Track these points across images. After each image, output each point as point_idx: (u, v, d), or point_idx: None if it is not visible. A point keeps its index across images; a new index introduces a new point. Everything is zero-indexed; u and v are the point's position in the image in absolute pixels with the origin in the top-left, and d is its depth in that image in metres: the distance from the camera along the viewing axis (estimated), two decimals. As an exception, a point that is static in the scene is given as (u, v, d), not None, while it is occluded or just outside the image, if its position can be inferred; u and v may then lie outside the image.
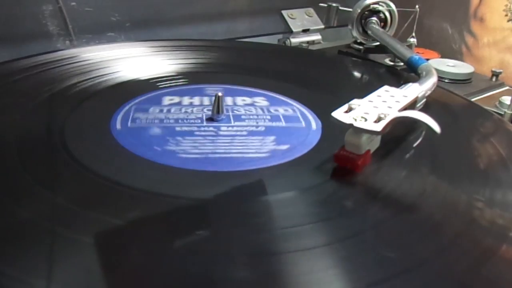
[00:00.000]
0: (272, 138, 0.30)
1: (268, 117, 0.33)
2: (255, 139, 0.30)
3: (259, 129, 0.31)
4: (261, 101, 0.36)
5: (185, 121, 0.32)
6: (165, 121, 0.32)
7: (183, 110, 0.34)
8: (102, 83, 0.38)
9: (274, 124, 0.32)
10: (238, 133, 0.31)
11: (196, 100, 0.36)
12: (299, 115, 0.34)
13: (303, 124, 0.33)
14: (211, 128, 0.31)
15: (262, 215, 0.23)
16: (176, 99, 0.35)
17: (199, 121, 0.32)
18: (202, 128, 0.31)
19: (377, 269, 0.20)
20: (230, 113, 0.33)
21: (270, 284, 0.19)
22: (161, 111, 0.33)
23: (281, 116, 0.34)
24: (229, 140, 0.30)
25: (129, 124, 0.31)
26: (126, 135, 0.29)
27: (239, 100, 0.36)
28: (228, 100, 0.36)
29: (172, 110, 0.33)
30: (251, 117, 0.33)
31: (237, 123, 0.32)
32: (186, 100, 0.35)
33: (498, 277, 0.20)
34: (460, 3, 0.64)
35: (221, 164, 0.27)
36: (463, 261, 0.21)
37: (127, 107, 0.33)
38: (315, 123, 0.33)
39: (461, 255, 0.21)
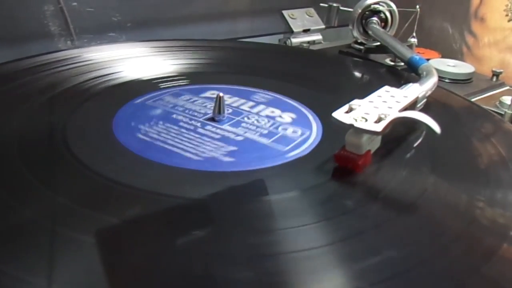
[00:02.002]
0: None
1: (269, 116, 0.34)
2: (261, 139, 0.30)
3: (261, 129, 0.32)
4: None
5: (188, 121, 0.32)
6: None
7: (185, 110, 0.34)
8: (103, 83, 0.38)
9: (274, 123, 0.33)
10: (245, 133, 0.31)
11: (196, 100, 0.36)
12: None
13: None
14: (216, 130, 0.31)
15: (263, 215, 0.23)
16: (177, 99, 0.36)
17: (201, 121, 0.32)
18: (206, 128, 0.31)
19: (378, 268, 0.20)
20: (231, 113, 0.34)
21: (271, 284, 0.19)
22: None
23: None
24: (241, 139, 0.30)
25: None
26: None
27: (240, 100, 0.36)
28: (229, 100, 0.36)
29: (174, 111, 0.34)
30: (251, 116, 0.33)
31: (239, 123, 0.32)
32: (187, 100, 0.35)
33: (499, 277, 0.20)
34: (460, 3, 0.64)
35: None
36: (464, 261, 0.21)
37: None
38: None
39: (461, 255, 0.21)
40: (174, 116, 0.33)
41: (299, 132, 0.32)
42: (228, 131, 0.31)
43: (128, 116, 0.32)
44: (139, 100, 0.35)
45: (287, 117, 0.34)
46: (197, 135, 0.30)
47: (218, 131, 0.31)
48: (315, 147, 0.30)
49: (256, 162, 0.27)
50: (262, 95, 0.38)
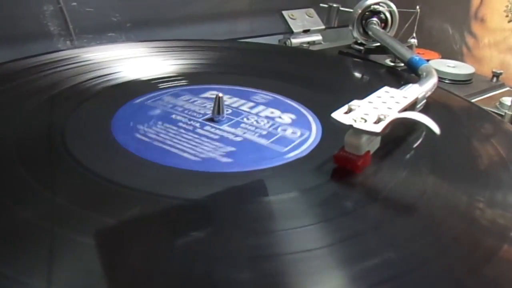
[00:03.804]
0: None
1: (268, 117, 0.34)
2: (260, 139, 0.30)
3: (260, 130, 0.32)
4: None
5: (187, 121, 0.32)
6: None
7: (184, 111, 0.34)
8: (102, 84, 0.38)
9: (274, 124, 0.32)
10: (244, 133, 0.31)
11: (195, 100, 0.36)
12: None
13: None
14: (215, 130, 0.31)
15: (262, 216, 0.23)
16: (176, 100, 0.35)
17: (200, 122, 0.32)
18: (205, 128, 0.31)
19: (378, 269, 0.20)
20: (231, 114, 0.33)
21: (271, 285, 0.19)
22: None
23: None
24: (240, 140, 0.30)
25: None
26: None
27: (239, 100, 0.36)
28: (228, 101, 0.36)
29: (174, 111, 0.33)
30: (251, 117, 0.33)
31: (238, 124, 0.32)
32: (187, 100, 0.35)
33: (499, 277, 0.20)
34: (460, 3, 0.64)
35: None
36: (464, 262, 0.21)
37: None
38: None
39: (461, 256, 0.21)
40: (173, 116, 0.33)
41: (299, 133, 0.32)
42: (227, 132, 0.31)
43: (127, 116, 0.32)
44: (138, 100, 0.35)
45: (287, 117, 0.34)
46: (195, 136, 0.30)
47: (217, 131, 0.31)
48: (315, 148, 0.30)
49: (254, 163, 0.27)
50: (262, 95, 0.38)
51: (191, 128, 0.31)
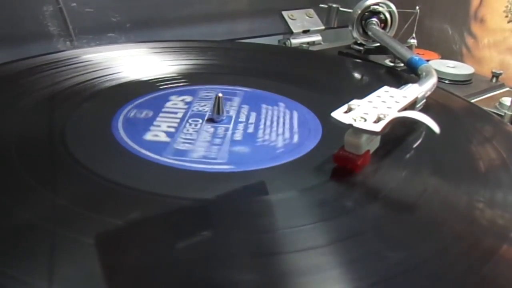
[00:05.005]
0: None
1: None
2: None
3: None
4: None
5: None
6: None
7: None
8: (102, 84, 0.38)
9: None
10: (240, 134, 0.31)
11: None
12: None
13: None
14: (213, 130, 0.31)
15: (262, 215, 0.23)
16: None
17: (200, 121, 0.32)
18: (203, 128, 0.31)
19: (377, 269, 0.20)
20: (231, 114, 0.34)
21: (271, 285, 0.19)
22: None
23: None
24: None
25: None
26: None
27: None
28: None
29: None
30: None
31: (237, 124, 0.32)
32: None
33: (499, 278, 0.20)
34: (460, 4, 0.64)
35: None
36: (464, 262, 0.21)
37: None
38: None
39: (461, 256, 0.21)
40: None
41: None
42: (226, 132, 0.31)
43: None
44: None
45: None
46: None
47: (215, 131, 0.31)
48: (314, 147, 0.30)
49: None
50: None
51: (191, 127, 0.31)
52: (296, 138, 0.31)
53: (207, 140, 0.29)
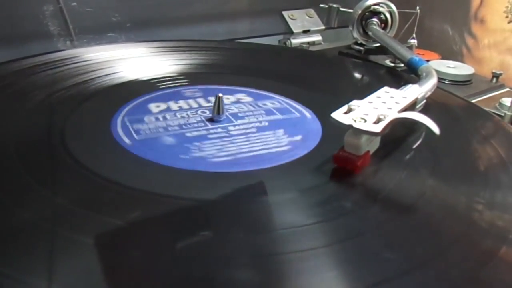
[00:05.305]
0: (269, 139, 0.30)
1: (269, 116, 0.34)
2: (267, 134, 0.30)
3: (263, 125, 0.32)
4: (260, 102, 0.36)
5: (188, 124, 0.32)
6: (167, 122, 0.32)
7: (184, 111, 0.34)
8: (102, 84, 0.38)
9: (271, 125, 0.32)
10: (248, 130, 0.31)
11: (196, 100, 0.36)
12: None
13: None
14: (210, 129, 0.31)
15: (262, 216, 0.23)
16: (176, 100, 0.35)
17: (199, 120, 0.32)
18: (201, 127, 0.31)
19: (377, 270, 0.20)
20: (232, 115, 0.34)
21: (270, 285, 0.19)
22: (162, 111, 0.33)
23: (279, 118, 0.34)
24: (245, 139, 0.30)
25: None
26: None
27: (239, 100, 0.36)
28: (229, 101, 0.36)
29: (174, 111, 0.33)
30: (251, 115, 0.33)
31: (239, 122, 0.32)
32: (187, 100, 0.35)
33: (498, 279, 0.20)
34: (460, 4, 0.64)
35: (222, 165, 0.27)
36: (463, 263, 0.21)
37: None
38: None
39: (460, 257, 0.21)
40: (178, 112, 0.33)
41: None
42: (223, 131, 0.31)
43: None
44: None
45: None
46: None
47: (212, 131, 0.31)
48: (314, 148, 0.30)
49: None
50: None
51: (188, 125, 0.31)
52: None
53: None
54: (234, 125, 0.32)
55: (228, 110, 0.34)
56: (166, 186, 0.25)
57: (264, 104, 0.36)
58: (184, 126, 0.31)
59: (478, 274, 0.20)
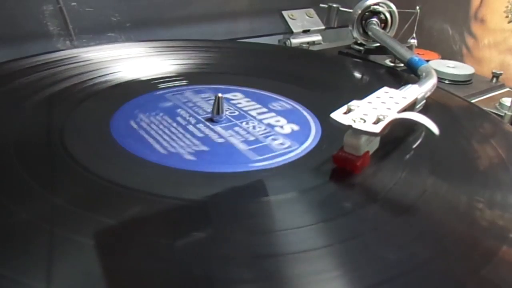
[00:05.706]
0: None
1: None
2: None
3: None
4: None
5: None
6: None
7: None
8: (102, 84, 0.38)
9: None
10: (247, 130, 0.31)
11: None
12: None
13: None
14: (204, 129, 0.31)
15: (261, 216, 0.23)
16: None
17: (198, 119, 0.32)
18: (197, 126, 0.31)
19: (377, 270, 0.20)
20: (232, 115, 0.33)
21: (271, 285, 0.19)
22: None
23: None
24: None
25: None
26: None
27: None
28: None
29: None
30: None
31: (239, 122, 0.32)
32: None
33: (498, 278, 0.20)
34: (460, 4, 0.64)
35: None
36: (463, 263, 0.21)
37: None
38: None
39: (461, 257, 0.21)
40: (179, 110, 0.33)
41: (297, 133, 0.31)
42: (214, 132, 0.31)
43: (127, 116, 0.32)
44: (141, 99, 0.35)
45: (286, 118, 0.34)
46: (182, 131, 0.30)
47: (205, 130, 0.31)
48: (314, 148, 0.30)
49: (216, 166, 0.27)
50: (261, 95, 0.38)
51: (184, 123, 0.31)
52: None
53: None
54: (234, 125, 0.32)
55: (228, 110, 0.34)
56: (165, 186, 0.25)
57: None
58: (184, 126, 0.31)
59: (478, 273, 0.20)
